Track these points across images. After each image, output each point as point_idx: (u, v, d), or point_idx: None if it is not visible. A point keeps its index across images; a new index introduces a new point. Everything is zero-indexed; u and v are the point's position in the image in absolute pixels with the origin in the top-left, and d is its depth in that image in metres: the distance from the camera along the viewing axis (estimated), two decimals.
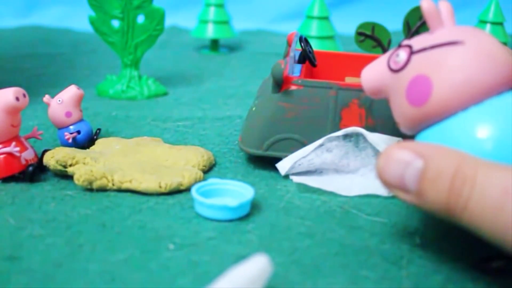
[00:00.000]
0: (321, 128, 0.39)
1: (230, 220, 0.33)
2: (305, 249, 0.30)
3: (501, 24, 0.67)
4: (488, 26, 0.67)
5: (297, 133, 0.39)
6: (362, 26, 0.51)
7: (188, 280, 0.27)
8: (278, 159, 0.39)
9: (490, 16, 0.67)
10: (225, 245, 0.30)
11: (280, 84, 0.38)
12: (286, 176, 0.39)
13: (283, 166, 0.38)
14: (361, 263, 0.29)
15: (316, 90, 0.38)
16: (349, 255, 0.30)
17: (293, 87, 0.39)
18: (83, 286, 0.26)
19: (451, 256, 0.31)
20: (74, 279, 0.27)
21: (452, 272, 0.29)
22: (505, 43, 0.64)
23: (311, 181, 0.38)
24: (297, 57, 0.44)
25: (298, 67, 0.42)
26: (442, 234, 0.33)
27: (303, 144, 0.39)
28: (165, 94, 0.60)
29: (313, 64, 0.44)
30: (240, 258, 0.28)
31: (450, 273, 0.29)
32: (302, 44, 0.43)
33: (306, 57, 0.43)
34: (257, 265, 0.24)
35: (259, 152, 0.40)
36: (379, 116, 0.39)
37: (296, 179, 0.39)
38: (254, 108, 0.41)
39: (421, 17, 0.46)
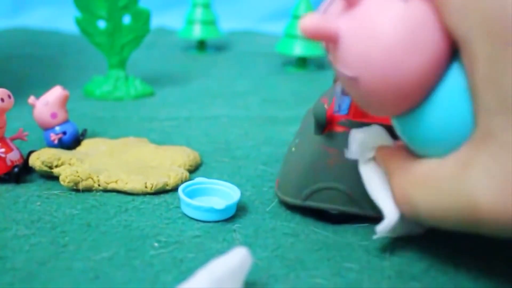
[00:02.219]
0: None
1: (216, 221, 0.33)
2: (289, 245, 0.31)
3: None
4: None
5: (341, 182, 0.32)
6: None
7: (172, 276, 0.27)
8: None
9: None
10: (210, 243, 0.31)
11: (323, 125, 0.32)
12: (272, 177, 0.39)
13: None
14: (344, 256, 0.30)
15: None
16: (332, 250, 0.30)
17: (338, 129, 0.32)
18: (67, 284, 0.26)
19: (434, 246, 0.31)
20: (58, 277, 0.27)
21: (435, 260, 0.30)
22: None
23: None
24: None
25: (347, 101, 0.34)
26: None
27: (348, 196, 0.33)
28: (152, 94, 0.60)
29: None
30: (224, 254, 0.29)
31: (432, 261, 0.30)
32: None
33: None
34: (237, 257, 0.24)
35: (297, 201, 0.34)
36: None
37: None
38: (293, 149, 0.35)
39: None
